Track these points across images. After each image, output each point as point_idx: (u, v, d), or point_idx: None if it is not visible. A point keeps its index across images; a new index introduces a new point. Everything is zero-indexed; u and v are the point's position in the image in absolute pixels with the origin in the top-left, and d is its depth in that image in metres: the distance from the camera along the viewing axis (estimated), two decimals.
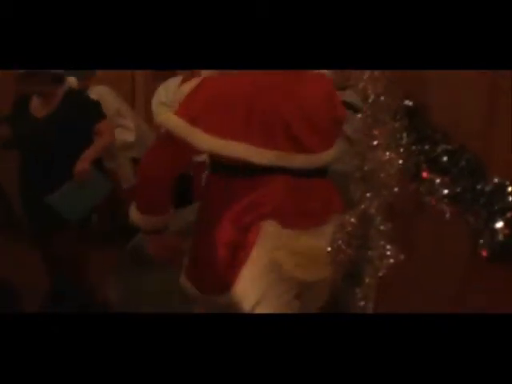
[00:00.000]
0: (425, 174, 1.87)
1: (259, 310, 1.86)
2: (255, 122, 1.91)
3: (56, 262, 3.16)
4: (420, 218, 2.36)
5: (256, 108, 1.90)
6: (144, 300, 2.54)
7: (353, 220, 1.74)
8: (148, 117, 4.34)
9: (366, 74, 1.62)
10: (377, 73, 1.61)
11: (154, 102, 3.80)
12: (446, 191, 1.90)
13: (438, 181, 1.90)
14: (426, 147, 1.83)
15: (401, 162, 1.65)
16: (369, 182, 1.68)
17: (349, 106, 2.53)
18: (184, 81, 3.19)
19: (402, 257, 1.70)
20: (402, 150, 1.66)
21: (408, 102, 1.77)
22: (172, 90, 3.59)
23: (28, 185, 3.10)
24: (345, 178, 1.85)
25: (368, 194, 1.68)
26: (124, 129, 4.19)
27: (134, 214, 2.08)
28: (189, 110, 1.91)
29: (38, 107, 3.07)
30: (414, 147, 1.80)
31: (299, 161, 1.96)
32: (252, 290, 1.88)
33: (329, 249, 1.78)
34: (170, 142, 1.93)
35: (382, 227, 1.72)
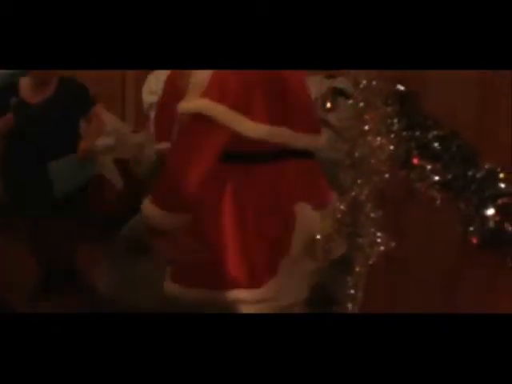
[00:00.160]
0: (415, 161, 1.86)
1: (296, 310, 1.86)
2: (284, 106, 1.90)
3: (44, 252, 3.15)
4: (410, 204, 2.35)
5: (277, 94, 1.89)
6: (133, 289, 2.52)
7: (343, 207, 1.73)
8: (138, 117, 4.43)
9: None
10: None
11: (145, 90, 3.83)
12: (436, 178, 1.89)
13: (428, 167, 1.88)
14: (417, 133, 1.81)
15: (392, 148, 1.64)
16: (359, 168, 1.66)
17: (340, 92, 2.52)
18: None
19: (392, 244, 1.69)
20: (392, 135, 1.65)
21: (400, 87, 1.75)
22: (162, 79, 3.56)
23: (16, 170, 3.12)
24: (335, 165, 1.83)
25: (359, 181, 1.66)
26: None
27: (152, 211, 1.94)
28: (226, 95, 1.83)
29: (30, 93, 3.08)
30: (404, 133, 1.79)
31: (321, 142, 2.01)
32: (291, 286, 1.87)
33: (318, 236, 1.76)
34: (205, 129, 1.84)
35: (372, 214, 1.70)
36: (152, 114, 3.67)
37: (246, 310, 1.93)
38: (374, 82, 1.54)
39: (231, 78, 1.83)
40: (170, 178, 1.93)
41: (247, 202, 1.93)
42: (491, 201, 1.86)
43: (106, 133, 4.23)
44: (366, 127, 1.59)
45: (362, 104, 1.57)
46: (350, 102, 1.70)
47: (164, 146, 3.28)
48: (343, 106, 2.60)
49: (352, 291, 1.78)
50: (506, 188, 1.89)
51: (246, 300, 1.95)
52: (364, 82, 1.55)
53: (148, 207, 1.95)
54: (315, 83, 3.23)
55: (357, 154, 1.67)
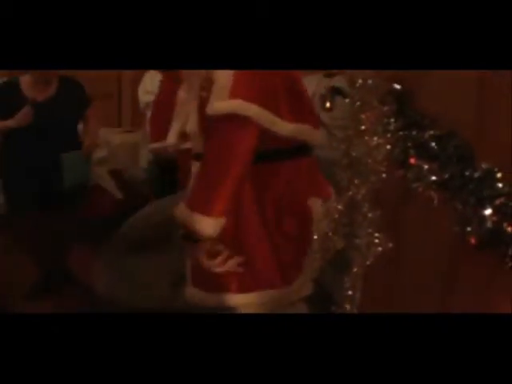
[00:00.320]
0: (412, 160, 1.84)
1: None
2: (300, 104, 1.92)
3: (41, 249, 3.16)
4: (408, 204, 2.35)
5: (294, 92, 1.91)
6: (131, 290, 2.51)
7: (340, 207, 1.72)
8: (134, 117, 4.50)
9: None
10: None
11: (140, 90, 3.90)
12: (433, 178, 1.87)
13: (426, 167, 1.87)
14: (414, 133, 1.80)
15: (388, 147, 1.63)
16: (356, 168, 1.65)
17: (338, 91, 2.53)
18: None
19: (390, 245, 1.68)
20: (389, 135, 1.64)
21: (396, 86, 1.74)
22: (158, 79, 3.57)
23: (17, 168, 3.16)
24: (331, 164, 1.83)
25: (355, 181, 1.66)
26: None
27: (191, 216, 1.86)
28: (255, 95, 1.82)
29: (33, 91, 3.12)
30: (401, 133, 1.78)
31: (322, 139, 2.08)
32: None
33: (315, 237, 1.75)
34: (240, 130, 1.82)
35: (369, 214, 1.69)
36: (148, 114, 3.68)
37: (279, 310, 1.94)
38: (369, 81, 1.53)
39: (255, 77, 1.83)
40: (207, 181, 1.87)
41: (267, 201, 1.94)
42: (489, 201, 1.85)
43: (99, 145, 4.39)
44: (363, 127, 1.58)
45: (358, 103, 1.57)
46: (347, 100, 1.69)
47: (160, 145, 3.28)
48: (339, 105, 2.62)
49: (350, 292, 1.77)
50: (503, 188, 1.87)
51: (280, 300, 1.97)
52: (360, 81, 1.54)
53: (185, 212, 1.87)
54: (312, 82, 3.23)
55: (353, 154, 1.66)
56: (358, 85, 1.57)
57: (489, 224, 1.86)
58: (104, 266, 2.68)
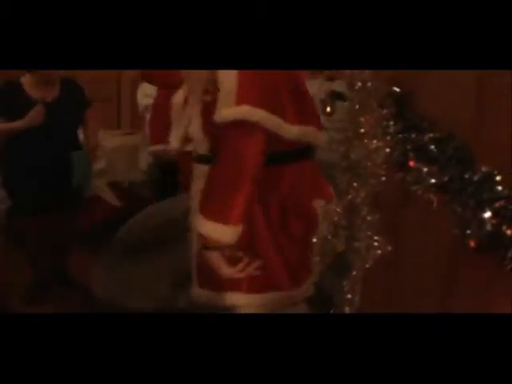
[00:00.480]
0: (412, 163, 1.84)
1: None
2: (303, 105, 1.92)
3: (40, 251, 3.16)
4: (407, 207, 2.34)
5: (297, 93, 1.92)
6: (131, 292, 2.51)
7: (339, 210, 1.71)
8: (133, 120, 4.49)
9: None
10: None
11: (139, 93, 3.90)
12: (433, 180, 1.87)
13: (425, 170, 1.86)
14: (413, 135, 1.80)
15: (388, 150, 1.63)
16: (355, 171, 1.65)
17: (338, 95, 2.53)
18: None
19: (389, 248, 1.68)
20: (388, 138, 1.64)
21: (395, 89, 1.74)
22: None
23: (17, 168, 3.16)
24: (331, 167, 1.83)
25: (355, 184, 1.65)
26: None
27: (207, 226, 1.84)
28: (260, 99, 1.81)
29: (40, 91, 3.12)
30: (400, 135, 1.77)
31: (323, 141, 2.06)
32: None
33: (314, 240, 1.75)
34: (249, 136, 1.81)
35: (369, 217, 1.69)
36: (147, 116, 3.68)
37: (289, 310, 1.94)
38: (369, 84, 1.52)
39: (259, 80, 1.83)
40: (221, 189, 1.85)
41: (272, 203, 1.95)
42: (488, 204, 1.85)
43: (97, 157, 4.42)
44: (362, 130, 1.57)
45: (357, 106, 1.56)
46: (346, 103, 1.69)
47: (159, 147, 3.28)
48: (338, 108, 2.62)
49: (349, 295, 1.77)
50: (503, 191, 1.87)
51: (287, 300, 1.97)
52: (359, 83, 1.54)
53: (204, 223, 1.85)
54: (314, 86, 3.23)
55: (353, 157, 1.66)
56: (357, 87, 1.56)
57: (488, 227, 1.86)
58: (103, 268, 2.68)
